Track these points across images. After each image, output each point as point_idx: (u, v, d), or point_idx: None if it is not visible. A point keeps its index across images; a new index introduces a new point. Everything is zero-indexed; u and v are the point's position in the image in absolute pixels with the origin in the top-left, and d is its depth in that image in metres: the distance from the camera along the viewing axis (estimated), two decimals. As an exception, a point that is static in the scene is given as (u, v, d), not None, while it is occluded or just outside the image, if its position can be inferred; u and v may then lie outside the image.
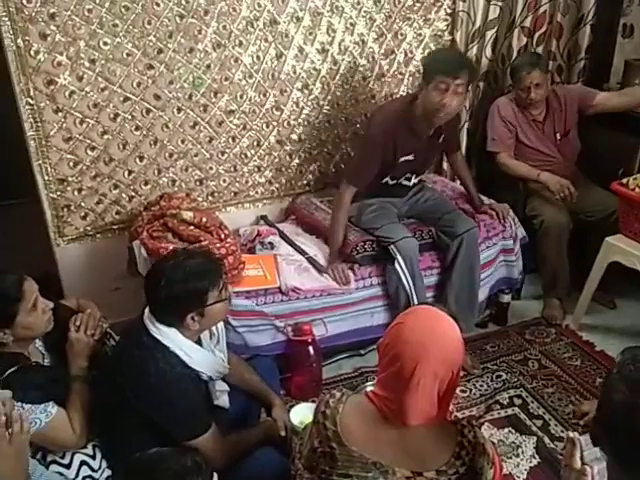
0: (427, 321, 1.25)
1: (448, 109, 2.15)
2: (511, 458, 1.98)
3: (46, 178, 2.26)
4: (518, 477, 1.91)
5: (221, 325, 1.78)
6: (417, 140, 2.32)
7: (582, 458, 1.15)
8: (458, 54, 2.33)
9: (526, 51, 2.89)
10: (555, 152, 2.78)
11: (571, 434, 1.21)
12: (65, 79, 2.15)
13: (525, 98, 2.66)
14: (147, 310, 1.60)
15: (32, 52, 2.07)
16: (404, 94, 2.75)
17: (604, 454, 1.08)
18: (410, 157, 2.36)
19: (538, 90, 2.63)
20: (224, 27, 2.33)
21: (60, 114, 2.19)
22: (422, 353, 1.17)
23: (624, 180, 2.35)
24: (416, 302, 2.28)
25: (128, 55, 2.22)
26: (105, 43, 2.17)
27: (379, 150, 2.28)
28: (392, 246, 2.27)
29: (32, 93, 2.12)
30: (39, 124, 2.17)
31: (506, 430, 2.10)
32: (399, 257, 2.25)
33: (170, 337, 1.56)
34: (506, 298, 2.68)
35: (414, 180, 2.51)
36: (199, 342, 1.67)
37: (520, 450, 2.01)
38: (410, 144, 2.31)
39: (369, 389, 1.32)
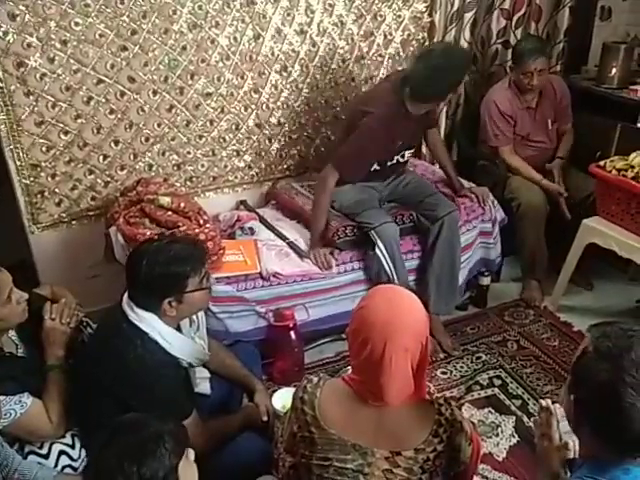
0: (388, 299, 1.26)
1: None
2: (491, 437, 2.01)
3: (18, 163, 2.21)
4: (498, 456, 1.94)
5: (201, 312, 1.76)
6: (412, 121, 2.35)
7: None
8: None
9: (529, 34, 2.89)
10: (545, 138, 2.81)
11: (544, 403, 1.23)
12: (36, 61, 2.09)
13: (526, 84, 2.66)
14: (126, 296, 1.58)
15: (1, 33, 2.00)
16: (383, 77, 2.71)
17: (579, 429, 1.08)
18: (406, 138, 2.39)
19: (540, 76, 2.64)
20: (200, 7, 2.28)
21: (31, 97, 2.13)
22: (389, 331, 1.19)
23: (601, 162, 2.37)
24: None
25: (101, 36, 2.16)
26: (77, 24, 2.11)
27: (379, 144, 2.28)
28: (372, 232, 2.27)
29: (1, 76, 2.06)
30: (9, 108, 2.11)
31: (486, 410, 2.13)
32: (379, 242, 2.26)
33: (149, 323, 1.54)
34: (485, 281, 2.70)
35: (408, 156, 2.53)
36: (179, 329, 1.65)
37: (500, 429, 2.04)
38: (408, 128, 2.35)
39: (347, 374, 1.33)
